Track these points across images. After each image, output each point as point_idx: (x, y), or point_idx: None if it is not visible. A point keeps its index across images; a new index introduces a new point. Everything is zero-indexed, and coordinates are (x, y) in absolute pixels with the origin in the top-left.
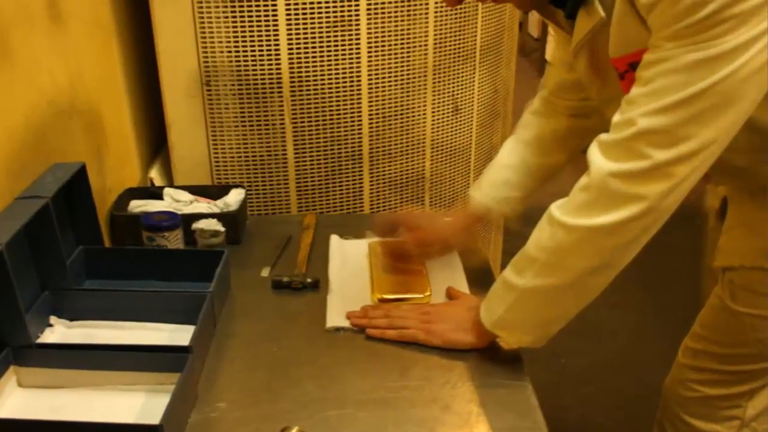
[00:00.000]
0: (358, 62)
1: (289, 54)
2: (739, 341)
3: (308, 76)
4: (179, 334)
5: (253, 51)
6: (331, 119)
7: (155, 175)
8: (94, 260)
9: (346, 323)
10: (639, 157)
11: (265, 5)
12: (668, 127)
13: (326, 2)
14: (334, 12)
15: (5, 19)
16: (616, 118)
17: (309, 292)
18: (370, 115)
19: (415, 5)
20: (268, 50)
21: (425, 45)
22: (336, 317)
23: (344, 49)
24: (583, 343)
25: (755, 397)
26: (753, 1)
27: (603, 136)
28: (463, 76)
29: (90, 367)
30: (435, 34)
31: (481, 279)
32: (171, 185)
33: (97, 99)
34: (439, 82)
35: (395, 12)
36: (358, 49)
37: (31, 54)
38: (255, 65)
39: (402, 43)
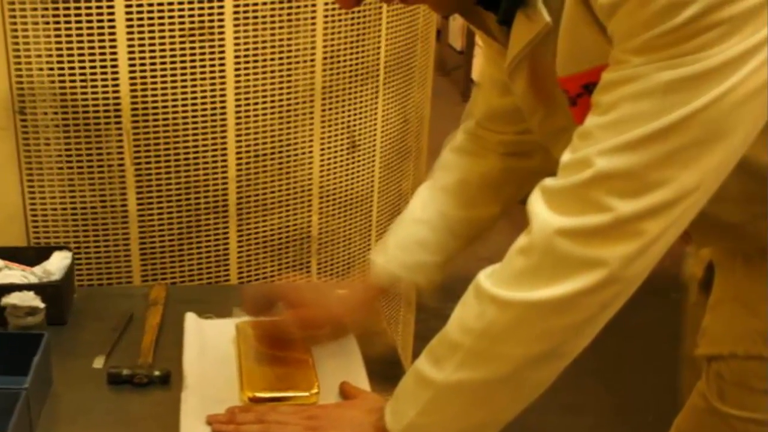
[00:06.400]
0: (223, 83)
1: (131, 72)
2: None
3: (156, 102)
4: None
5: (83, 68)
6: (186, 159)
7: None
8: None
9: (207, 430)
10: (597, 209)
11: (98, 7)
12: (635, 170)
13: (180, 2)
14: (190, 15)
15: None
16: (567, 157)
17: (157, 388)
18: (238, 153)
19: (299, 7)
20: (102, 67)
21: (312, 60)
22: (193, 422)
23: (204, 66)
24: None
25: None
26: (748, 1)
27: (549, 182)
28: (362, 102)
29: None
30: (325, 46)
31: (385, 371)
32: None
33: None
34: (330, 109)
35: (271, 16)
36: (223, 65)
37: None
38: (85, 87)
39: (281, 58)
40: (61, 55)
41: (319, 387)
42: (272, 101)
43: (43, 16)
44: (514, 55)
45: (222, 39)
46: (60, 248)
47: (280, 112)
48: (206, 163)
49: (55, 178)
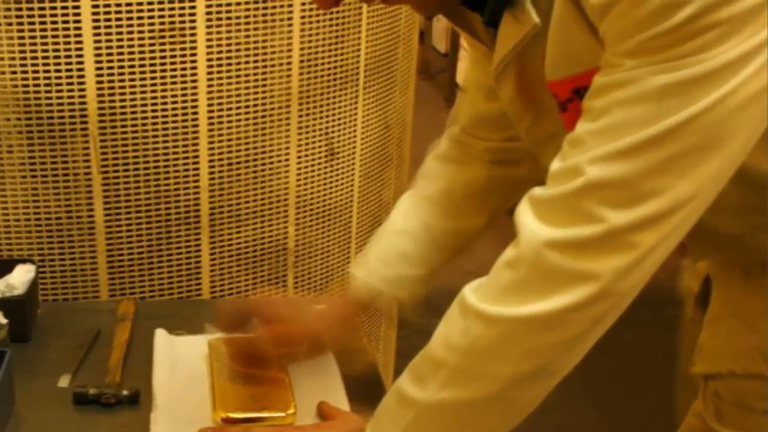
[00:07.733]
0: (195, 87)
1: (98, 76)
2: None
3: (124, 107)
4: None
5: (48, 71)
6: (156, 167)
7: None
8: None
9: None
10: (588, 220)
11: (64, 7)
12: (629, 178)
13: (149, 2)
14: (160, 16)
15: None
16: (556, 165)
17: (125, 408)
18: (210, 161)
19: (275, 7)
20: (68, 70)
21: (288, 63)
22: None
23: (175, 69)
24: None
25: None
26: (747, 1)
27: (537, 191)
28: (341, 107)
29: None
30: (302, 48)
31: (366, 390)
32: None
33: None
34: (307, 114)
35: (246, 17)
36: (195, 68)
37: None
38: (50, 91)
39: (256, 61)
40: (24, 58)
41: (295, 407)
42: (247, 106)
43: (5, 16)
44: (500, 58)
45: (194, 41)
46: (23, 261)
47: (255, 117)
48: (177, 171)
49: (18, 187)
